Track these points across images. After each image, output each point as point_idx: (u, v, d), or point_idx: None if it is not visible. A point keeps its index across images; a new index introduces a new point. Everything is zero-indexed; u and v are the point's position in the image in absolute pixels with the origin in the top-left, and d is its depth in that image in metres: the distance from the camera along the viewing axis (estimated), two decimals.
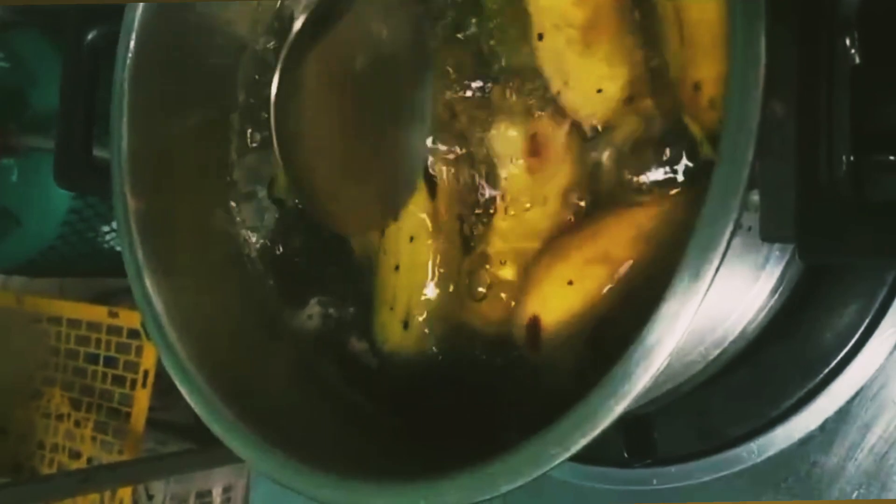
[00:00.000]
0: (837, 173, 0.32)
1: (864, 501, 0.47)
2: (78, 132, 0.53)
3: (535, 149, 0.45)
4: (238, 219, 0.52)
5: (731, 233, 0.30)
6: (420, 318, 0.47)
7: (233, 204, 0.52)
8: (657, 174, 0.41)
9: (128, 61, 0.49)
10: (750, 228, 0.35)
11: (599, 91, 0.43)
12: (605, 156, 0.43)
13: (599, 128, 0.43)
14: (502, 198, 0.46)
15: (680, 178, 0.40)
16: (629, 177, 0.42)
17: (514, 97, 0.46)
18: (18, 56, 1.26)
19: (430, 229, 0.47)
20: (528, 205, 0.45)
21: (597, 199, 0.44)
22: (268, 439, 0.42)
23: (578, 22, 0.43)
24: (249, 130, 0.52)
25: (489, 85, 0.47)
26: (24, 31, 1.28)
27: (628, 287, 0.41)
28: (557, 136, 0.44)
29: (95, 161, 0.53)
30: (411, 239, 0.48)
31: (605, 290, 0.41)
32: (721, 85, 0.37)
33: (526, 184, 0.45)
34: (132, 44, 0.48)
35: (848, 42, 0.32)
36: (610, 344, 0.39)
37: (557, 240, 0.44)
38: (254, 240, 0.52)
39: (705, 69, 0.38)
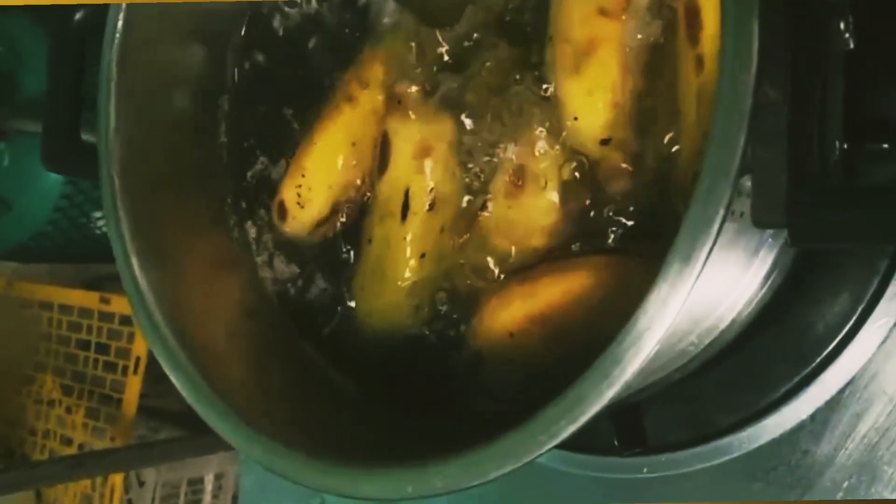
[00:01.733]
0: (829, 159, 0.32)
1: (861, 502, 0.47)
2: (65, 114, 0.52)
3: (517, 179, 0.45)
4: (227, 199, 0.52)
5: (723, 217, 0.30)
6: (406, 291, 0.47)
7: (223, 185, 0.52)
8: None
9: (115, 42, 0.48)
10: (742, 214, 0.34)
11: (575, 119, 0.42)
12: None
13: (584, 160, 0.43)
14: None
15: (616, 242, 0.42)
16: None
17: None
18: (9, 39, 1.25)
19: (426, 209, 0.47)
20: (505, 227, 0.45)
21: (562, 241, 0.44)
22: (254, 424, 0.41)
23: (576, 40, 0.42)
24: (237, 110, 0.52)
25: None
26: (14, 15, 1.27)
27: (563, 344, 0.42)
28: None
29: (83, 143, 0.52)
30: (404, 212, 0.47)
31: (540, 345, 0.43)
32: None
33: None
34: (120, 24, 0.48)
35: (842, 26, 0.32)
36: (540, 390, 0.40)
37: (512, 280, 0.45)
38: (243, 219, 0.52)
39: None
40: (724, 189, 0.30)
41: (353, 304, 0.50)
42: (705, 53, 0.38)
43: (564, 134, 0.43)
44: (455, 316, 0.47)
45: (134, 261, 0.45)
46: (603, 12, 0.41)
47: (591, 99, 0.42)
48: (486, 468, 0.34)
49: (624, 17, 0.41)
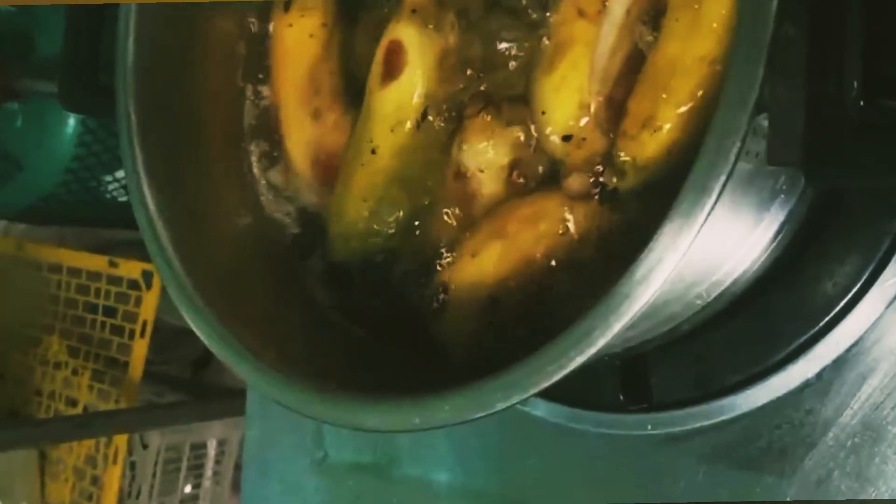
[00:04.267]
0: (847, 97, 0.32)
1: (863, 501, 0.47)
2: (83, 56, 0.52)
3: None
4: (245, 144, 0.52)
5: (739, 147, 0.30)
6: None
7: (240, 131, 0.52)
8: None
9: None
10: (758, 155, 0.34)
11: (543, 113, 0.44)
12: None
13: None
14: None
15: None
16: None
17: None
18: None
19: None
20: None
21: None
22: (261, 355, 0.42)
23: (553, 38, 0.44)
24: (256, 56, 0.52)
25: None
26: None
27: (524, 262, 0.43)
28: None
29: (101, 85, 0.52)
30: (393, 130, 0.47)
31: (500, 262, 0.44)
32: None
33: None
34: None
35: None
36: (502, 312, 0.43)
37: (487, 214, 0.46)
38: (258, 159, 0.52)
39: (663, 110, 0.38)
40: (742, 119, 0.30)
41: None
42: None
43: (533, 127, 0.45)
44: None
45: (148, 196, 0.46)
46: (581, 13, 0.43)
47: (558, 97, 0.43)
48: (493, 398, 0.34)
49: (600, 20, 0.42)
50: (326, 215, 0.51)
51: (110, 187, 1.37)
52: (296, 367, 0.42)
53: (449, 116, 0.47)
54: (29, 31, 1.23)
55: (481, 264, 0.44)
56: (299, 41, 0.51)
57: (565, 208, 0.43)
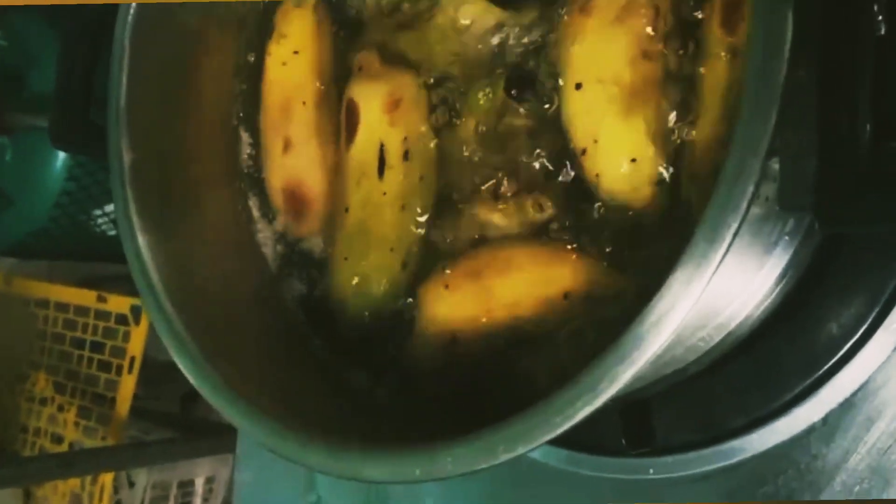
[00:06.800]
0: (859, 142, 0.31)
1: (868, 501, 0.46)
2: (76, 94, 0.52)
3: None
4: (240, 185, 0.52)
5: (751, 196, 0.29)
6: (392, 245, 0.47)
7: (234, 170, 0.51)
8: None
9: (129, 21, 0.48)
10: (767, 198, 0.34)
11: (634, 161, 0.41)
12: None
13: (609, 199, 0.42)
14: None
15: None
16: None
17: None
18: (18, 36, 1.25)
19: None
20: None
21: None
22: (259, 406, 0.41)
23: (626, 82, 0.40)
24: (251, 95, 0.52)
25: None
26: (24, 12, 1.27)
27: (490, 306, 0.43)
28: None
29: (93, 123, 0.52)
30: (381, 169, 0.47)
31: (470, 303, 0.44)
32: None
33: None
34: (134, 5, 0.47)
35: (875, 8, 0.32)
36: (462, 347, 0.43)
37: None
38: (251, 202, 0.52)
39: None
40: (754, 167, 0.29)
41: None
42: (742, 43, 0.37)
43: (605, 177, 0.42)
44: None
45: (139, 235, 0.45)
46: (646, 55, 0.40)
47: (648, 139, 0.40)
48: (496, 450, 0.33)
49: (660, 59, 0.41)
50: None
51: (100, 221, 1.36)
52: (290, 414, 0.41)
53: (415, 156, 0.47)
54: (19, 66, 1.22)
55: (451, 300, 0.44)
56: (274, 69, 0.51)
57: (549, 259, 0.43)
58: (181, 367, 0.42)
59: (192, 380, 0.43)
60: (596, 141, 0.41)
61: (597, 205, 0.42)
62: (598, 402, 0.32)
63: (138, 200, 0.45)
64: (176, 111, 0.49)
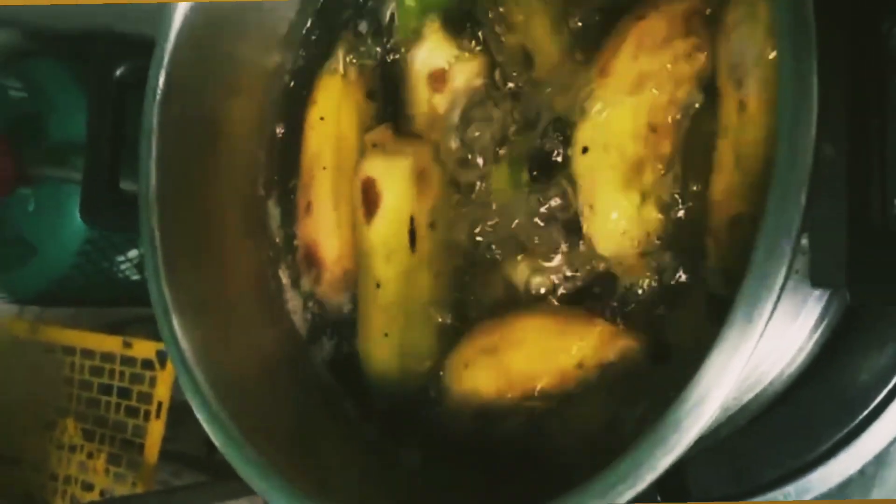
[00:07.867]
0: (889, 216, 0.31)
1: (861, 502, 0.46)
2: (104, 168, 0.52)
3: None
4: (270, 254, 0.52)
5: (785, 278, 0.29)
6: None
7: (264, 240, 0.52)
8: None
9: (157, 97, 0.48)
10: (797, 271, 0.34)
11: (624, 233, 0.42)
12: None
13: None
14: None
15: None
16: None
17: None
18: (37, 85, 1.25)
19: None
20: None
21: None
22: (287, 476, 0.41)
23: (629, 155, 0.41)
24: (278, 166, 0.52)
25: None
26: (42, 61, 1.28)
27: (510, 379, 0.43)
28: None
29: (122, 194, 0.52)
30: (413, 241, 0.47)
31: (489, 379, 0.44)
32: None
33: None
34: (161, 80, 0.48)
35: None
36: (489, 424, 0.43)
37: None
38: (284, 277, 0.52)
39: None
40: (786, 250, 0.29)
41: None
42: (749, 96, 0.37)
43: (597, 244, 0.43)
44: None
45: (174, 315, 0.45)
46: (653, 129, 0.41)
47: (641, 213, 0.41)
48: None
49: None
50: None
51: (122, 266, 1.36)
52: (328, 492, 0.41)
53: (440, 223, 0.47)
54: (40, 117, 1.23)
55: (472, 378, 0.45)
56: (306, 134, 0.52)
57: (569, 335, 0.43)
58: (219, 446, 0.42)
59: (226, 455, 0.43)
60: (591, 206, 0.42)
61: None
62: (639, 486, 0.32)
63: (172, 279, 0.46)
64: (205, 182, 0.50)
